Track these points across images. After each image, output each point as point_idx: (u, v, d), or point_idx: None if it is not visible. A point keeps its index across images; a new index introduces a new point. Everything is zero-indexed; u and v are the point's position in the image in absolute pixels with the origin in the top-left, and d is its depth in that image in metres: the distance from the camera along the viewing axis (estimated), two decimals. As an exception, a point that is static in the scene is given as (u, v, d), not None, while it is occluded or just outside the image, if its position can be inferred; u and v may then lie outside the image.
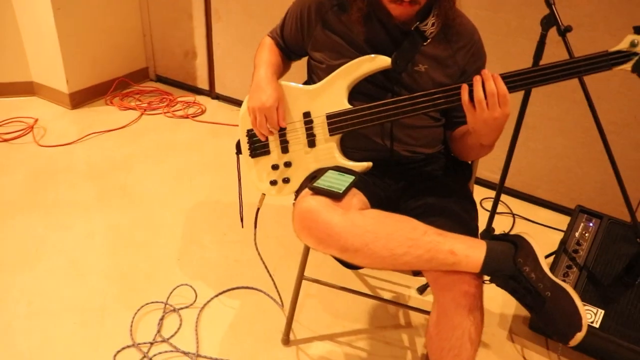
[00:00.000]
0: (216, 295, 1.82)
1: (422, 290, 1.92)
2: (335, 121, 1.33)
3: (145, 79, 3.52)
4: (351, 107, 1.31)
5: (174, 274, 1.91)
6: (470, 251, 1.12)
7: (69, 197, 2.32)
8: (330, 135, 1.34)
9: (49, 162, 2.58)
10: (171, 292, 1.81)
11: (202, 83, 3.33)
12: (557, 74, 1.11)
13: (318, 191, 1.14)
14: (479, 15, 2.20)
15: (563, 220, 2.34)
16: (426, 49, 1.30)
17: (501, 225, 2.28)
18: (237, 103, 3.24)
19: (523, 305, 1.13)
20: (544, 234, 2.23)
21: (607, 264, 1.61)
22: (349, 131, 1.32)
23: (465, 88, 1.14)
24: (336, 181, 1.19)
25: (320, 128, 1.35)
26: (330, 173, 1.22)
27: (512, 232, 2.26)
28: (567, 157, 2.31)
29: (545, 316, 1.09)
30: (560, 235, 2.23)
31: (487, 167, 2.50)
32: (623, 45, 1.09)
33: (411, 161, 1.39)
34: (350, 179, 1.22)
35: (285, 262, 1.98)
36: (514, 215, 2.35)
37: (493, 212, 1.97)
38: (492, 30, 2.20)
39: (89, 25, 3.05)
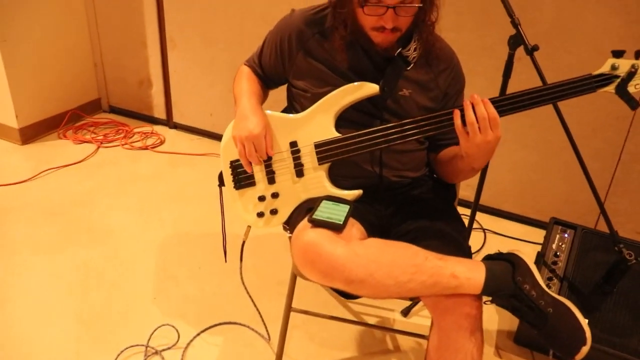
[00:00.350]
0: (199, 333, 1.76)
1: (406, 312, 1.92)
2: (324, 150, 1.32)
3: (98, 111, 3.41)
4: (340, 135, 1.31)
5: (152, 313, 1.83)
6: (471, 273, 1.13)
7: (29, 236, 2.21)
8: (319, 164, 1.33)
9: (3, 201, 2.45)
10: (152, 333, 1.74)
11: (159, 112, 3.26)
12: (544, 97, 1.15)
13: (318, 223, 1.13)
14: (442, 36, 2.26)
15: (533, 233, 2.41)
16: (409, 74, 1.32)
17: (473, 242, 2.32)
18: (197, 132, 3.18)
19: (525, 323, 1.15)
20: (516, 248, 2.29)
21: (586, 273, 1.66)
22: (338, 159, 1.32)
23: (457, 113, 1.16)
24: (333, 212, 1.18)
25: (309, 157, 1.34)
26: (325, 203, 1.21)
27: (485, 248, 2.31)
28: (532, 170, 2.39)
29: (548, 332, 1.11)
30: (533, 247, 2.30)
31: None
32: (604, 68, 1.14)
33: (399, 185, 1.40)
34: (346, 208, 1.21)
35: (264, 293, 1.94)
36: (484, 230, 2.41)
37: (469, 230, 2.01)
38: (456, 50, 2.26)
39: (37, 56, 2.94)
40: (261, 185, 1.39)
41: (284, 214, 1.38)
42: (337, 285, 1.11)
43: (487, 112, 1.13)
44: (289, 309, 1.61)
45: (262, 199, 1.39)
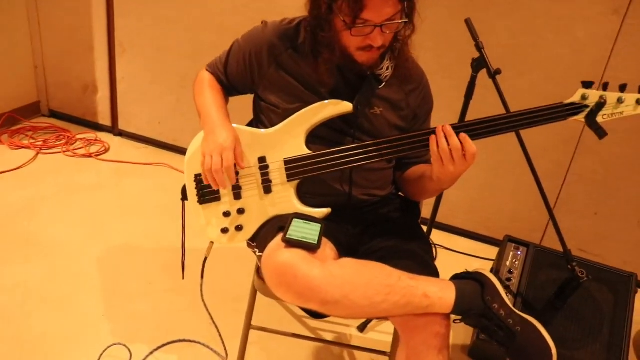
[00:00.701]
0: (152, 352, 1.69)
1: (362, 328, 1.92)
2: (293, 167, 1.31)
3: (36, 115, 3.24)
4: (311, 152, 1.30)
5: (101, 333, 1.74)
6: (442, 293, 1.15)
7: (-39, 251, 2.05)
8: (288, 181, 1.31)
9: None
10: (102, 354, 1.65)
11: (104, 119, 3.14)
12: (517, 122, 1.19)
13: (292, 243, 1.11)
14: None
15: (482, 248, 2.48)
16: (380, 92, 1.33)
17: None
18: (143, 140, 3.08)
19: (494, 341, 1.17)
20: (467, 263, 2.35)
21: (538, 289, 1.72)
22: (308, 177, 1.31)
23: (434, 140, 1.18)
24: (306, 231, 1.16)
25: (277, 173, 1.32)
26: (297, 222, 1.20)
27: (436, 263, 2.36)
28: (482, 188, 2.46)
29: (516, 350, 1.14)
30: (482, 263, 2.37)
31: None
32: (575, 98, 1.19)
33: (368, 204, 1.40)
34: (317, 227, 1.20)
35: (219, 310, 1.88)
36: (435, 245, 2.46)
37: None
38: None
39: (-28, 56, 2.76)
40: (226, 200, 1.35)
41: (250, 230, 1.35)
42: (311, 306, 1.09)
43: (463, 145, 1.15)
44: (248, 326, 1.58)
45: (227, 214, 1.35)
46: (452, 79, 2.09)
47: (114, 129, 3.13)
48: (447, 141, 1.16)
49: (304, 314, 1.95)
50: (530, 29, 2.14)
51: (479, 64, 1.64)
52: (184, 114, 2.92)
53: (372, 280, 1.11)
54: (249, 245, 1.41)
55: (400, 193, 1.53)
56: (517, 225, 2.44)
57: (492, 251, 2.48)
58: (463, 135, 1.15)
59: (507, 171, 2.38)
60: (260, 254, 1.20)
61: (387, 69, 1.31)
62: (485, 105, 2.01)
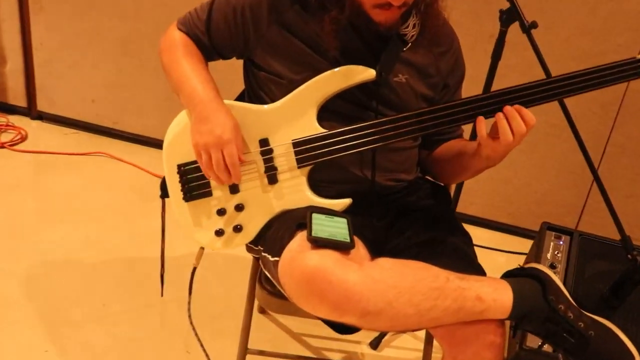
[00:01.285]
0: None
1: (375, 344, 1.98)
2: (304, 149, 1.33)
3: None
4: (325, 130, 1.33)
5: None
6: (497, 294, 1.20)
7: None
8: (299, 167, 1.34)
9: None
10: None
11: (17, 98, 3.07)
12: (581, 84, 1.25)
13: (321, 243, 1.13)
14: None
15: (506, 240, 2.57)
16: (405, 56, 1.37)
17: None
18: (72, 124, 3.03)
19: (560, 351, 1.23)
20: (490, 259, 2.43)
21: (589, 285, 1.80)
22: (322, 161, 1.33)
23: (482, 121, 1.25)
24: (332, 227, 1.19)
25: (284, 159, 1.34)
26: (317, 217, 1.22)
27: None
28: (501, 166, 2.53)
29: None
30: (508, 257, 2.46)
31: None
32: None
33: (394, 191, 1.44)
34: (344, 222, 1.23)
35: (202, 332, 1.90)
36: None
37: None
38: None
39: None
40: (220, 195, 1.37)
41: (251, 231, 1.37)
42: (348, 319, 1.12)
43: (525, 124, 1.22)
44: (244, 350, 1.61)
45: (221, 212, 1.37)
46: (468, 36, 2.15)
47: (31, 111, 3.07)
48: (510, 126, 1.22)
49: (304, 331, 1.99)
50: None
51: (510, 16, 1.69)
52: (128, 88, 2.89)
53: (418, 283, 1.15)
54: (249, 250, 1.43)
55: (426, 176, 1.58)
56: (546, 209, 2.54)
57: (518, 242, 2.58)
58: (518, 106, 1.23)
59: (531, 145, 2.46)
60: (275, 258, 1.22)
61: (414, 26, 1.35)
62: (516, 69, 2.09)
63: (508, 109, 1.24)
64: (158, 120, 2.89)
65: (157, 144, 2.94)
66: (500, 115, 1.24)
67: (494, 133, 1.27)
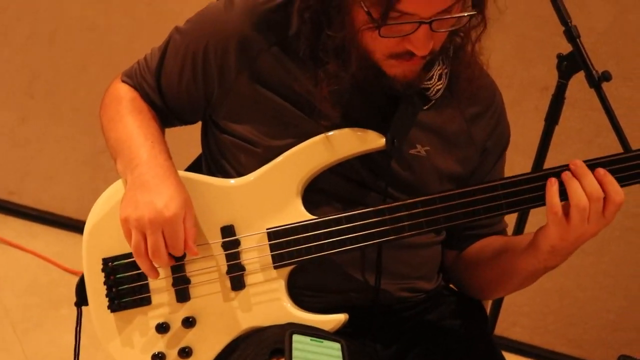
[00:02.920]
0: None
1: None
2: (284, 242, 1.37)
3: None
4: (314, 217, 1.37)
5: None
6: None
7: None
8: (275, 267, 1.37)
9: None
10: None
11: None
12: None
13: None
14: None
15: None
16: (425, 119, 1.42)
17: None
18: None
19: None
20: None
21: None
22: (308, 260, 1.37)
23: (553, 185, 1.27)
24: (320, 355, 1.22)
25: (256, 255, 1.38)
26: (300, 340, 1.25)
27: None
28: (560, 272, 2.57)
29: None
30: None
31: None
32: None
33: (406, 306, 1.48)
34: (336, 347, 1.25)
35: None
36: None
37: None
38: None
39: None
40: (162, 303, 1.40)
41: (205, 356, 1.39)
42: None
43: (605, 191, 1.25)
44: None
45: (163, 328, 1.39)
46: (516, 87, 2.22)
47: None
48: (584, 187, 1.25)
49: None
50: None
51: (573, 64, 1.76)
52: (32, 143, 2.94)
53: None
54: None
55: (451, 285, 1.62)
56: (623, 336, 2.56)
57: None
58: (602, 171, 1.26)
59: (600, 242, 2.49)
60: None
61: (439, 78, 1.40)
62: (566, 136, 2.14)
63: (577, 162, 1.27)
64: (74, 190, 2.93)
65: (72, 225, 2.96)
66: (568, 174, 1.27)
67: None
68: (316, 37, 1.35)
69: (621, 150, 1.43)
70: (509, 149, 1.58)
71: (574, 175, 1.27)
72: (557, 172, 1.30)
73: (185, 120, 1.53)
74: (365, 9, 1.21)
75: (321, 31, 1.33)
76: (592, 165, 1.29)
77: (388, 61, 1.30)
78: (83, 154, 2.78)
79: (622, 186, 1.30)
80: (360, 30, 1.27)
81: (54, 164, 2.94)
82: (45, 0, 2.75)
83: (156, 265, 1.33)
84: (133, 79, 1.52)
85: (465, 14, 1.26)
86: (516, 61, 2.36)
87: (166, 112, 1.51)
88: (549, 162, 1.84)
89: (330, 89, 1.33)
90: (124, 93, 1.51)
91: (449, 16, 1.23)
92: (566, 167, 1.29)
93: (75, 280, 1.49)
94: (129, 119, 1.45)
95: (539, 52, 2.27)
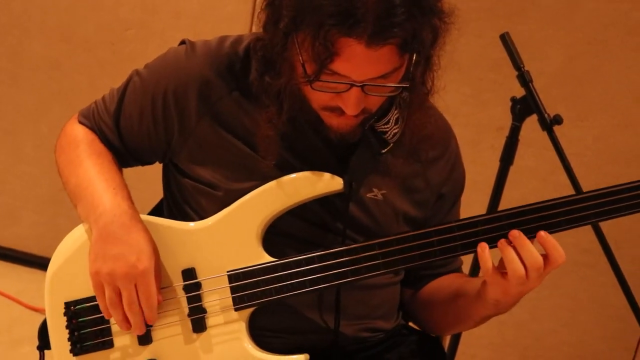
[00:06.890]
0: None
1: None
2: (244, 285, 1.39)
3: None
4: (274, 260, 1.39)
5: None
6: None
7: None
8: (236, 309, 1.39)
9: None
10: None
11: None
12: (626, 203, 1.33)
13: None
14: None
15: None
16: (382, 162, 1.44)
17: None
18: None
19: None
20: None
21: None
22: (269, 302, 1.38)
23: (485, 249, 1.29)
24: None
25: (217, 297, 1.39)
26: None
27: None
28: (517, 305, 2.60)
29: None
30: None
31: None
32: None
33: (366, 346, 1.50)
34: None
35: None
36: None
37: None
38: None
39: None
40: (125, 345, 1.40)
41: (166, 402, 1.40)
42: None
43: (547, 252, 1.28)
44: None
45: (124, 372, 1.40)
46: (472, 128, 2.26)
47: None
48: (520, 257, 1.27)
49: None
50: (594, 47, 2.36)
51: (525, 107, 1.80)
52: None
53: None
54: None
55: (410, 323, 1.64)
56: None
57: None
58: (544, 234, 1.28)
59: (555, 276, 2.51)
60: None
61: (396, 122, 1.42)
62: (521, 174, 2.16)
63: (515, 233, 1.28)
64: (35, 227, 2.92)
65: (34, 261, 2.93)
66: (503, 242, 1.29)
67: (502, 267, 1.31)
68: (260, 80, 1.37)
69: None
70: (467, 187, 1.60)
71: (513, 245, 1.28)
72: (512, 214, 1.33)
73: (143, 161, 1.54)
74: (302, 62, 1.24)
75: (263, 77, 1.35)
76: (545, 207, 1.33)
77: (323, 112, 1.33)
78: (45, 191, 2.78)
79: (572, 228, 1.33)
80: (297, 82, 1.30)
81: (16, 201, 2.94)
82: (9, 38, 2.77)
83: (134, 319, 1.34)
84: (90, 120, 1.53)
85: (399, 85, 1.28)
86: (473, 101, 2.40)
87: (124, 153, 1.52)
88: (505, 200, 1.87)
89: (268, 133, 1.35)
90: (82, 135, 1.51)
91: (381, 84, 1.25)
92: (519, 210, 1.32)
93: (36, 317, 1.48)
94: (89, 164, 1.45)
95: (494, 93, 2.32)
